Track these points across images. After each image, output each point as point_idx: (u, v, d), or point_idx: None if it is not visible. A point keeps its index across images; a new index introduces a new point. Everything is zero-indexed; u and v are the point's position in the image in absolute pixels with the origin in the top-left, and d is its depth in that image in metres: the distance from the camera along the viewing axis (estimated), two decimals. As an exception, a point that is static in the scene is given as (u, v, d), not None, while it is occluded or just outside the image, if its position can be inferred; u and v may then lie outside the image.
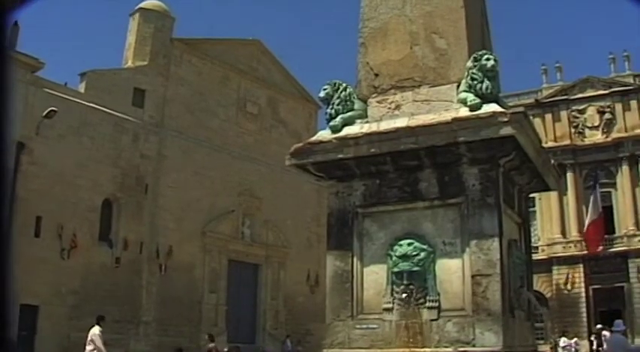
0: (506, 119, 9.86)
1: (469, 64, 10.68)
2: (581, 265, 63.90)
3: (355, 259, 10.72)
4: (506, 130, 9.84)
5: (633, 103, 67.68)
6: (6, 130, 2.92)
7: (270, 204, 58.10)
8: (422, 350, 9.84)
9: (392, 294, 10.25)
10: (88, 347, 27.23)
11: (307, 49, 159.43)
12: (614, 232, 64.94)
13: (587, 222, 63.74)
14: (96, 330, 27.36)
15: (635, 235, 63.81)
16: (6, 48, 3.00)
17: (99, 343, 27.00)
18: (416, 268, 10.08)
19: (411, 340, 9.96)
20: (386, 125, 10.79)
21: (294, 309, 59.00)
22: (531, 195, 14.81)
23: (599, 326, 47.54)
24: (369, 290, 10.55)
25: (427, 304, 10.02)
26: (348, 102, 11.40)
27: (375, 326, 10.27)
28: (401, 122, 10.70)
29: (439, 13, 11.72)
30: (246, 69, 60.58)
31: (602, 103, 68.26)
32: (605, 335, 41.01)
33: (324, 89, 11.61)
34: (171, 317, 49.01)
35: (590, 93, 69.02)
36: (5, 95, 2.98)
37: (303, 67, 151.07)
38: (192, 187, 52.46)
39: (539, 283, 60.06)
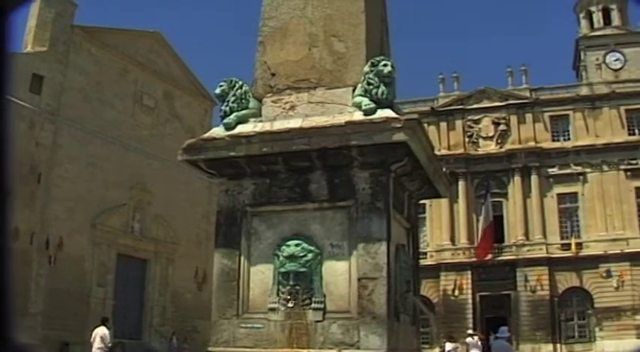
0: (399, 125, 9.91)
1: (366, 68, 10.71)
2: (469, 272, 65.15)
3: (243, 258, 10.63)
4: (399, 136, 9.89)
5: (528, 116, 69.42)
6: (6, 129, 2.86)
7: (161, 199, 57.57)
8: (306, 351, 9.81)
9: (278, 294, 10.20)
10: (98, 345, 28.06)
11: (208, 44, 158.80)
12: (503, 241, 66.30)
13: (480, 231, 64.91)
14: (105, 330, 28.27)
15: (524, 245, 65.35)
16: (7, 48, 2.95)
17: (107, 341, 28.15)
18: (302, 269, 10.05)
19: (295, 341, 9.93)
20: (279, 125, 10.74)
21: (182, 306, 58.59)
22: (422, 202, 14.98)
23: (469, 331, 48.54)
24: (256, 290, 10.47)
25: (313, 305, 9.99)
26: (244, 101, 11.31)
27: (260, 325, 10.21)
28: (294, 123, 10.67)
29: (340, 16, 11.72)
30: (144, 61, 59.93)
31: (497, 115, 69.77)
32: (468, 342, 42.19)
33: (220, 86, 11.51)
34: (59, 311, 47.87)
35: (486, 104, 70.48)
36: (6, 94, 2.92)
37: (203, 62, 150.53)
38: (85, 178, 51.66)
39: (426, 288, 60.94)
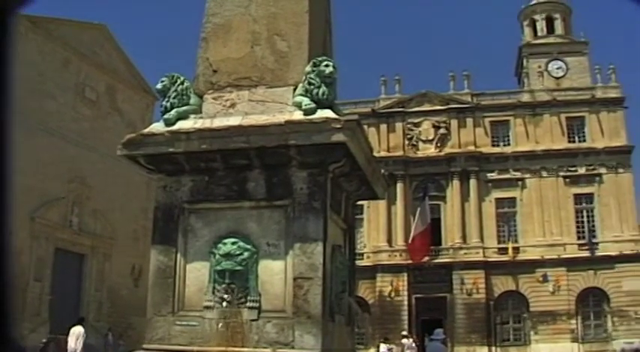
0: (338, 126, 9.92)
1: (308, 68, 10.71)
2: (406, 274, 65.36)
3: (179, 255, 10.54)
4: (338, 137, 9.90)
5: (469, 121, 69.87)
6: (7, 128, 2.84)
7: (100, 194, 57.03)
8: (241, 349, 9.76)
9: (213, 292, 10.14)
10: (74, 342, 28.03)
11: (153, 39, 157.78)
12: (440, 244, 66.63)
13: (412, 233, 65.15)
14: (81, 329, 28.24)
15: (460, 248, 65.76)
16: (10, 47, 2.93)
17: (81, 341, 28.09)
18: (238, 267, 10.00)
19: (230, 339, 9.88)
20: (219, 122, 10.69)
21: (118, 302, 58.09)
22: (360, 203, 14.97)
23: (404, 332, 48.94)
24: (191, 287, 10.39)
25: (248, 304, 9.94)
26: (184, 97, 11.23)
27: (195, 323, 10.15)
28: (234, 120, 10.62)
29: (283, 15, 11.70)
30: (88, 53, 59.34)
31: (438, 118, 70.13)
32: (404, 343, 42.74)
33: (162, 81, 11.41)
34: (-6, 305, 47.22)
35: (427, 107, 70.83)
36: (8, 94, 2.91)
37: (147, 57, 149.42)
38: (25, 170, 50.95)
39: (362, 289, 61.12)
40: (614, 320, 64.85)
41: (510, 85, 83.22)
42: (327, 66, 10.56)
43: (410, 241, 65.36)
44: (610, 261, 65.29)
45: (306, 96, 10.54)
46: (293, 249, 9.98)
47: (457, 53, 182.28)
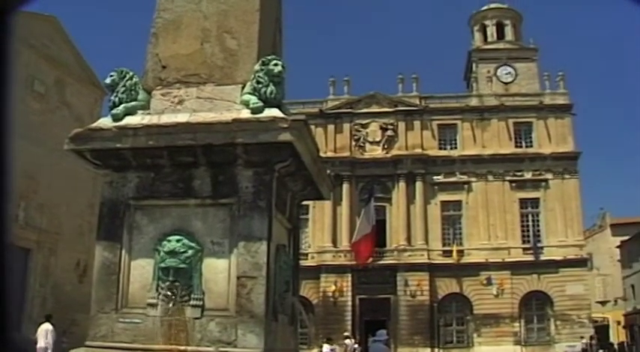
0: (285, 125, 9.94)
1: (257, 67, 10.72)
2: (350, 275, 65.44)
3: (124, 251, 10.47)
4: (285, 136, 9.93)
5: (416, 123, 70.16)
6: (7, 127, 2.79)
7: (46, 188, 56.40)
8: (184, 348, 9.72)
9: (157, 290, 10.09)
10: (43, 340, 27.90)
11: (104, 33, 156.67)
12: (385, 245, 66.81)
13: (355, 234, 65.30)
14: (50, 326, 28.05)
15: (405, 250, 65.98)
16: (9, 47, 2.88)
17: (50, 338, 27.97)
18: (182, 265, 9.97)
19: (173, 337, 9.84)
20: (167, 119, 10.64)
21: (62, 298, 57.47)
22: (305, 203, 15.00)
23: (346, 333, 49.13)
24: (135, 284, 10.32)
25: (191, 302, 9.92)
26: (133, 92, 11.16)
27: (138, 320, 10.09)
28: (182, 117, 10.59)
29: (234, 13, 11.69)
30: (38, 45, 58.66)
31: (385, 120, 70.29)
32: (347, 344, 43.01)
33: (111, 76, 11.34)
34: None
35: (375, 109, 70.94)
36: (7, 94, 2.86)
37: (97, 51, 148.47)
38: (-30, 163, 50.30)
39: (306, 289, 61.05)
40: (557, 324, 65.58)
41: (459, 89, 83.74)
42: (275, 65, 10.58)
43: (354, 242, 65.43)
44: (554, 266, 66.02)
45: (254, 94, 10.55)
46: (237, 247, 9.98)
47: (407, 56, 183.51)
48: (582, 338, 62.14)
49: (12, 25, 2.96)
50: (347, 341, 44.12)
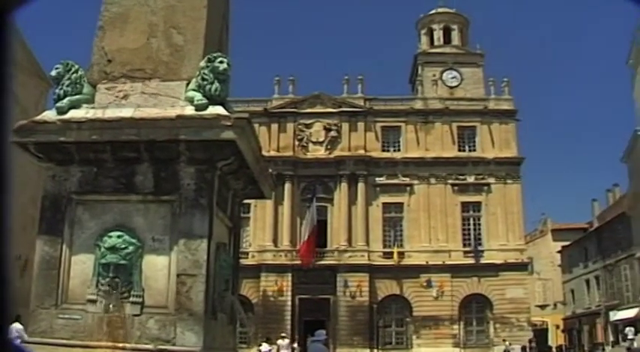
0: (229, 123, 9.92)
1: (202, 63, 10.68)
2: (290, 274, 65.25)
3: (65, 246, 10.37)
4: (228, 134, 9.91)
5: (360, 125, 70.17)
6: (6, 127, 2.72)
7: (-12, 181, 55.79)
8: (122, 345, 9.65)
9: (97, 286, 10.01)
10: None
11: (51, 25, 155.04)
12: (326, 246, 66.78)
13: (304, 234, 65.21)
14: (20, 326, 27.64)
15: (346, 251, 65.98)
16: (7, 47, 2.83)
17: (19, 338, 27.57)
18: (123, 261, 9.91)
19: (112, 334, 9.78)
20: (111, 113, 10.56)
21: (2, 293, 56.89)
22: (247, 201, 14.98)
23: (283, 334, 49.13)
24: (75, 280, 10.22)
25: (131, 299, 9.86)
26: (78, 85, 11.04)
27: (77, 317, 9.99)
28: (126, 112, 10.51)
29: (182, 8, 11.63)
30: (-20, 36, 58.00)
31: (329, 121, 70.22)
32: (279, 344, 43.17)
33: (56, 68, 11.21)
34: None
35: (319, 109, 70.82)
36: (6, 94, 2.80)
37: (44, 42, 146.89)
38: None
39: (246, 288, 60.89)
40: (496, 327, 66.06)
41: (404, 91, 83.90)
42: (221, 62, 10.55)
43: (303, 243, 65.34)
44: (494, 269, 66.48)
45: (198, 91, 10.52)
46: (178, 244, 9.95)
47: (353, 57, 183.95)
48: (505, 341, 62.63)
49: (12, 25, 2.94)
50: (279, 341, 44.14)
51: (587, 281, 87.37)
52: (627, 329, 60.29)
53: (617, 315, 73.66)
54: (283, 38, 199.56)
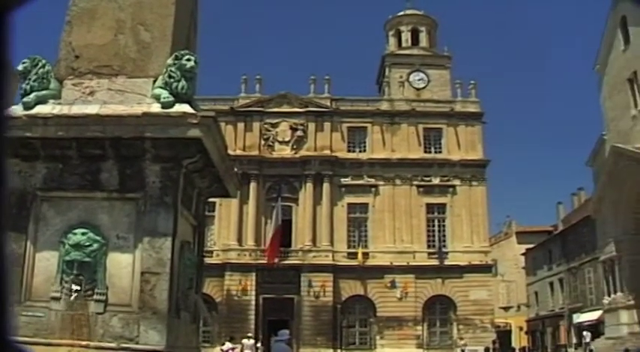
0: (195, 121, 9.90)
1: (170, 61, 10.65)
2: (254, 273, 64.97)
3: (29, 243, 10.30)
4: (194, 132, 9.89)
5: (327, 125, 70.06)
6: (4, 127, 2.69)
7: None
8: (86, 343, 9.61)
9: (61, 283, 9.95)
10: None
11: (17, 18, 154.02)
12: (290, 245, 66.66)
13: (269, 233, 65.13)
14: None
15: (310, 250, 65.85)
16: (7, 47, 2.81)
17: None
18: (87, 259, 9.86)
19: (75, 332, 9.72)
20: (77, 110, 10.50)
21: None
22: (212, 200, 14.94)
23: (249, 334, 49.07)
24: (39, 277, 10.16)
25: (95, 297, 9.82)
26: (45, 81, 10.97)
27: (41, 314, 9.92)
28: (92, 109, 10.45)
29: (149, 5, 11.59)
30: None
31: (296, 120, 70.04)
32: (243, 343, 43.21)
33: (23, 63, 11.14)
34: None
35: (285, 108, 70.63)
36: (5, 95, 2.76)
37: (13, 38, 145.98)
38: None
39: (210, 287, 60.56)
40: (460, 328, 66.18)
41: (371, 92, 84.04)
42: (188, 60, 10.53)
43: (267, 242, 65.20)
44: (458, 271, 66.65)
45: (165, 89, 10.48)
46: (142, 242, 9.91)
47: (320, 57, 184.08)
48: (461, 339, 63.03)
49: (11, 24, 2.94)
50: (245, 340, 44.09)
51: (551, 284, 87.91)
52: (585, 333, 60.84)
53: (580, 318, 74.24)
54: (251, 37, 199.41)
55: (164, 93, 10.39)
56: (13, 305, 10.04)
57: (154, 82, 10.81)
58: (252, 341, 44.43)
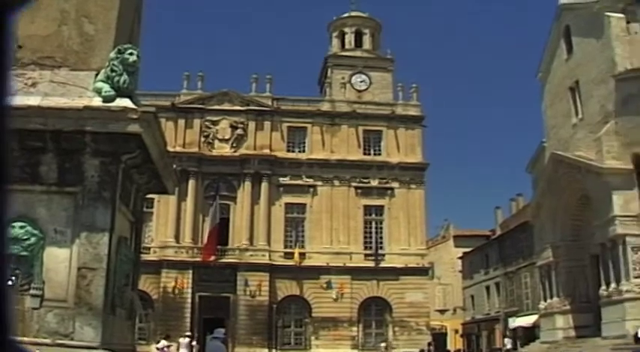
0: (135, 116, 9.81)
1: (112, 55, 10.53)
2: (191, 271, 64.64)
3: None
4: (134, 127, 9.80)
5: (267, 124, 69.98)
6: (5, 127, 2.60)
7: None
8: (20, 339, 9.42)
9: (-3, 277, 9.75)
10: None
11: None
12: (227, 244, 66.45)
13: (207, 231, 64.91)
14: None
15: (247, 249, 65.70)
16: (7, 47, 2.72)
17: None
18: (24, 253, 9.72)
19: (10, 328, 9.53)
20: (18, 101, 10.32)
21: None
22: (150, 196, 14.79)
23: (187, 333, 48.88)
24: (-25, 272, 9.96)
25: (31, 291, 9.68)
26: (-14, 70, 10.76)
27: (-25, 311, 9.71)
28: (34, 101, 10.31)
29: (94, -3, 11.47)
30: None
31: (236, 118, 69.80)
32: (180, 342, 43.07)
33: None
34: None
35: (226, 106, 70.36)
36: (4, 94, 2.67)
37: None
38: None
39: (146, 284, 60.09)
40: (395, 330, 66.49)
41: (313, 92, 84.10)
42: (131, 54, 10.43)
43: (207, 239, 64.94)
44: (395, 273, 66.96)
45: (107, 82, 10.38)
46: (80, 237, 9.80)
47: (264, 56, 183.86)
48: (384, 342, 63.59)
49: (11, 24, 2.88)
50: (181, 339, 43.93)
51: (488, 288, 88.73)
52: (505, 339, 61.48)
53: (515, 322, 74.99)
54: (194, 33, 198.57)
55: (106, 87, 10.28)
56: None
57: (97, 75, 10.69)
58: (187, 340, 44.25)
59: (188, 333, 49.03)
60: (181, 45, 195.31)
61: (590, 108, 53.41)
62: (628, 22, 50.10)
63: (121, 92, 10.27)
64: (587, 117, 53.89)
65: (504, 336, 65.36)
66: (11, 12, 2.83)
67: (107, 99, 10.17)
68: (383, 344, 63.05)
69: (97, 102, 10.19)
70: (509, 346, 58.54)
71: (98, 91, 10.37)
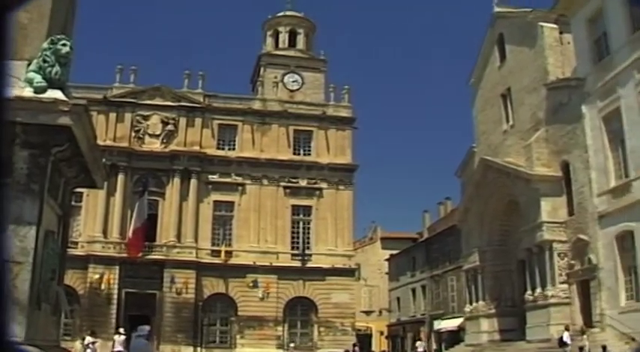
0: (66, 108, 9.64)
1: (45, 45, 10.34)
2: (118, 267, 64.06)
3: None
4: (64, 120, 9.63)
5: (198, 120, 69.76)
6: (3, 127, 2.46)
7: None
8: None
9: None
10: None
11: None
12: (155, 240, 65.98)
13: (131, 227, 64.31)
14: None
15: (174, 246, 65.36)
16: (7, 47, 2.58)
17: None
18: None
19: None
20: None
21: None
22: (79, 190, 14.59)
23: (121, 330, 48.34)
24: None
25: (-47, 284, 9.43)
26: None
27: None
28: (-39, 89, 10.09)
29: (28, -15, 11.24)
30: None
31: (167, 114, 69.42)
32: (115, 339, 42.62)
33: None
34: None
35: (158, 101, 69.92)
36: (4, 95, 2.53)
37: None
38: None
39: (73, 279, 59.43)
40: (321, 330, 66.79)
41: (246, 91, 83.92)
42: (64, 45, 10.25)
43: (130, 235, 64.37)
44: (321, 273, 67.25)
45: (39, 73, 10.18)
46: (7, 230, 9.56)
47: (198, 52, 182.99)
48: (292, 343, 63.89)
49: (11, 24, 2.78)
50: (116, 336, 43.54)
51: (414, 290, 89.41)
52: (418, 343, 61.94)
53: (441, 324, 75.76)
54: (128, 26, 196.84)
55: (37, 78, 10.08)
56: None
57: (29, 65, 10.48)
58: (123, 337, 43.82)
59: (122, 330, 48.47)
60: (115, 37, 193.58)
61: (521, 115, 54.15)
62: (561, 33, 50.89)
63: (52, 83, 10.08)
64: (517, 124, 54.65)
65: (419, 340, 65.59)
66: (11, 12, 2.75)
67: (38, 90, 9.96)
68: (292, 345, 63.22)
69: (28, 93, 9.98)
70: (420, 349, 58.56)
71: (30, 82, 10.15)
